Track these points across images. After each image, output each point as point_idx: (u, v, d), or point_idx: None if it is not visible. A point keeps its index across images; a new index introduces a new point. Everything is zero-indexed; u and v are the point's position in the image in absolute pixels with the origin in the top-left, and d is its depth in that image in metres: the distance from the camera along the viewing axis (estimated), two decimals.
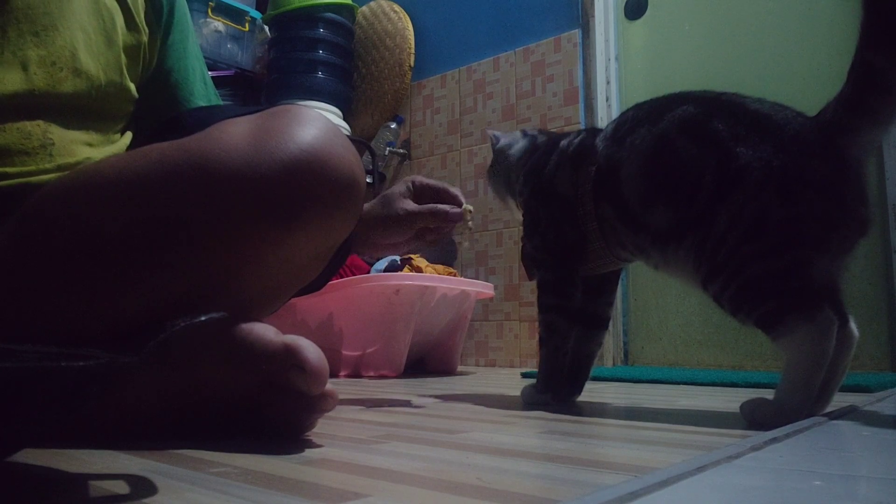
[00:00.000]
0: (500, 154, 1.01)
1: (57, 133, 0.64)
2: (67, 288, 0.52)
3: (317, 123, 0.58)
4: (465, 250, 2.16)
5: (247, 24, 2.39)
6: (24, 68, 0.63)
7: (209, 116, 0.68)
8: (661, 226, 0.75)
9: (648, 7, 2.04)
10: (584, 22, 2.02)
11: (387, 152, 2.37)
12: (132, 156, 0.58)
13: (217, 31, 2.29)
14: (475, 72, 2.27)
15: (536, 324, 0.91)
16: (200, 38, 2.21)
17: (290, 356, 0.54)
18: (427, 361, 1.81)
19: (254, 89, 2.43)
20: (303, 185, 0.55)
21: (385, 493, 0.38)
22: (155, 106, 0.79)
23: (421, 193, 0.88)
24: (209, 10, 2.24)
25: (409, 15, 2.43)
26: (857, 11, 0.63)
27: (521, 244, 0.95)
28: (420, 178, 0.89)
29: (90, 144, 0.68)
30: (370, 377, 1.54)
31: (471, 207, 0.89)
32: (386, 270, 1.73)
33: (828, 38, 1.72)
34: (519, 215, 0.97)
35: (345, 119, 2.35)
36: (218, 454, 0.50)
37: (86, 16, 0.68)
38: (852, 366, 0.72)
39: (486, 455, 0.51)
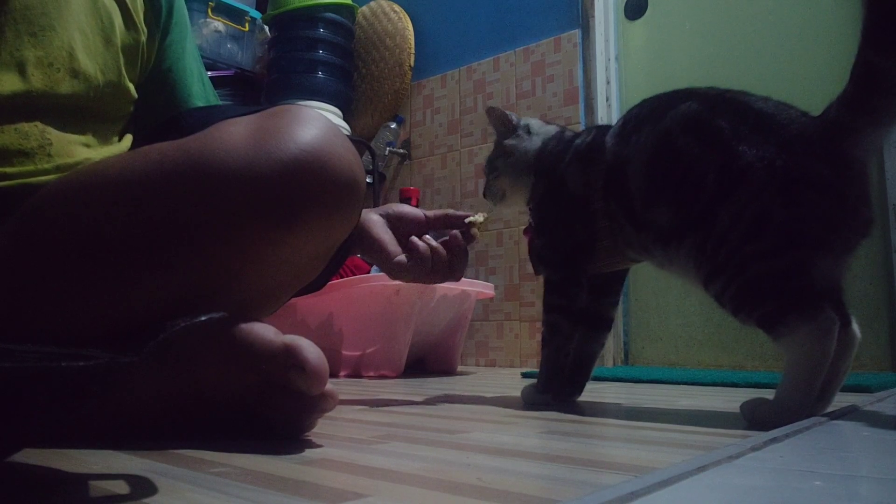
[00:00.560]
0: (522, 130, 0.94)
1: (55, 134, 0.64)
2: (67, 288, 0.52)
3: (317, 123, 0.58)
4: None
5: (247, 24, 2.39)
6: (22, 69, 0.62)
7: (209, 116, 0.68)
8: (664, 224, 0.75)
9: (648, 7, 2.04)
10: (584, 22, 2.02)
11: (387, 152, 2.37)
12: (132, 156, 0.58)
13: (217, 31, 2.29)
14: (475, 72, 2.27)
15: (537, 324, 0.91)
16: (200, 38, 2.21)
17: (290, 356, 0.54)
18: (427, 361, 1.81)
19: (254, 89, 2.43)
20: (303, 185, 0.55)
21: (385, 493, 0.38)
22: (153, 106, 0.79)
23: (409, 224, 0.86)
24: (209, 10, 2.24)
25: (409, 15, 2.43)
26: (857, 11, 0.63)
27: (519, 244, 0.95)
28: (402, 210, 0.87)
29: (88, 146, 0.68)
30: (370, 377, 1.54)
31: (480, 218, 0.87)
32: None
33: (828, 37, 1.72)
34: (510, 208, 0.96)
35: (345, 119, 2.35)
36: (218, 454, 0.50)
37: (84, 16, 0.68)
38: (852, 366, 0.72)
39: (486, 455, 0.51)
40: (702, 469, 0.43)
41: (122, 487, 0.40)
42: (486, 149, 2.25)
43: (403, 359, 1.58)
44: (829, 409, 0.73)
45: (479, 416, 0.77)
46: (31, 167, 0.62)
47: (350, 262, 1.74)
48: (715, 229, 0.69)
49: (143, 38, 0.75)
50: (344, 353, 1.60)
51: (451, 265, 0.84)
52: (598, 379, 1.38)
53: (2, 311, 0.52)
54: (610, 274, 0.90)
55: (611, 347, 1.91)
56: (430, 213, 0.88)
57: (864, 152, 0.66)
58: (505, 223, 2.10)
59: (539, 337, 1.98)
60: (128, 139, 0.75)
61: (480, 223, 0.88)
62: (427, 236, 0.85)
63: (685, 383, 1.28)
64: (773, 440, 0.55)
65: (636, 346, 1.96)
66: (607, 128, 0.87)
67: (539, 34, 2.12)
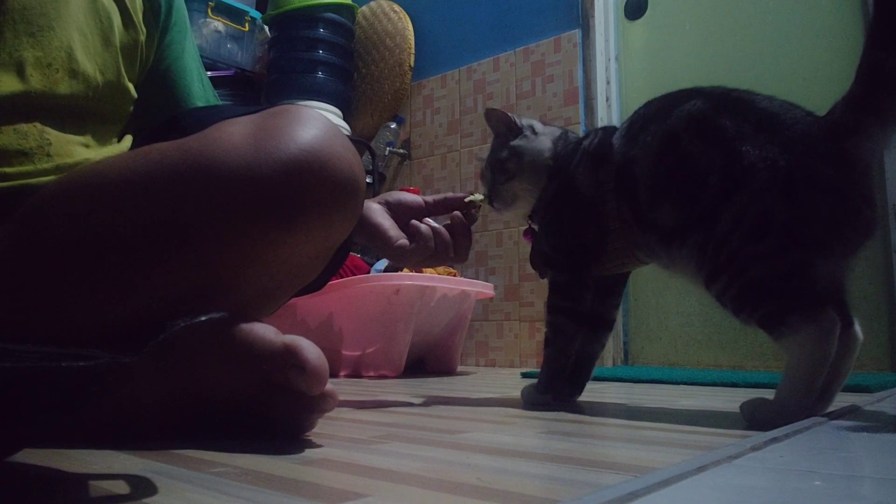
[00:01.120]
0: (527, 132, 0.92)
1: (54, 134, 0.64)
2: (67, 288, 0.52)
3: (317, 123, 0.58)
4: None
5: (247, 24, 2.39)
6: (20, 70, 0.62)
7: (209, 116, 0.68)
8: (667, 224, 0.74)
9: (648, 7, 2.04)
10: (584, 22, 2.02)
11: (387, 152, 2.37)
12: (132, 156, 0.58)
13: (217, 31, 2.29)
14: (475, 72, 2.27)
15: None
16: (200, 38, 2.21)
17: (290, 356, 0.54)
18: (427, 361, 1.81)
19: (254, 89, 2.43)
20: (303, 185, 0.55)
21: (385, 493, 0.38)
22: (152, 106, 0.78)
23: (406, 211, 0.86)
24: (209, 10, 2.24)
25: (409, 15, 2.43)
26: (857, 10, 0.63)
27: (519, 244, 0.94)
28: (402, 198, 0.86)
29: (88, 146, 0.68)
30: (370, 377, 1.54)
31: (479, 197, 0.87)
32: (386, 270, 1.73)
33: (828, 37, 1.72)
34: (520, 211, 0.93)
35: (345, 119, 2.35)
36: (218, 454, 0.50)
37: (83, 16, 0.68)
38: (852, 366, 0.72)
39: (486, 455, 0.51)
40: (702, 469, 0.43)
41: (122, 487, 0.40)
42: (487, 149, 2.25)
43: (403, 359, 1.58)
44: (829, 409, 0.73)
45: (479, 416, 0.77)
46: (30, 167, 0.62)
47: (350, 262, 1.75)
48: (717, 229, 0.69)
49: (142, 37, 0.75)
50: (344, 353, 1.60)
51: (454, 247, 0.83)
52: (598, 379, 1.38)
53: (2, 311, 0.51)
54: (614, 274, 0.90)
55: (611, 347, 1.91)
56: (430, 198, 0.88)
57: (868, 153, 0.66)
58: (505, 223, 2.10)
59: (539, 337, 1.99)
60: (127, 140, 0.75)
61: (481, 201, 0.87)
62: (428, 219, 0.84)
63: (685, 383, 1.28)
64: (773, 440, 0.55)
65: (636, 346, 1.96)
66: (613, 129, 0.86)
67: (539, 34, 2.12)
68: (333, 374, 1.56)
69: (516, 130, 0.92)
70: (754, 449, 0.51)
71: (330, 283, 0.83)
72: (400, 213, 0.85)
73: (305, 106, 0.76)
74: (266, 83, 2.39)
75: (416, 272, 1.71)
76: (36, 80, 0.63)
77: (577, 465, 0.46)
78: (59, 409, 0.38)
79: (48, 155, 0.63)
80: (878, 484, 0.41)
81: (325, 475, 0.44)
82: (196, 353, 0.56)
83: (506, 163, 0.90)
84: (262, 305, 0.67)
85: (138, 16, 0.74)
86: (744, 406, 0.70)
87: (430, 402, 0.95)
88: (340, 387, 1.25)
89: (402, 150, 2.40)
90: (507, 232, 2.10)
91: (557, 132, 0.93)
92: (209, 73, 0.87)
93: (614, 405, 0.93)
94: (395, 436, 0.61)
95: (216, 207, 0.53)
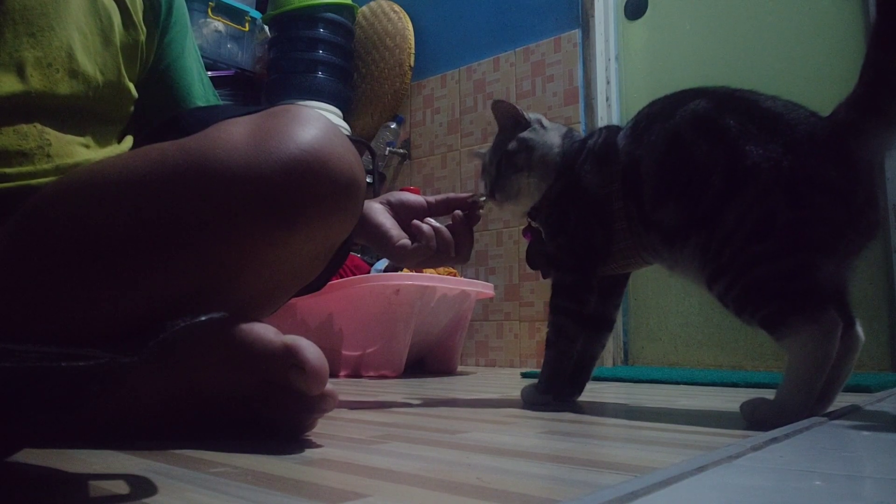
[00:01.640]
0: (536, 126, 0.90)
1: (54, 135, 0.64)
2: (67, 288, 0.52)
3: (317, 123, 0.58)
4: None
5: (247, 24, 2.39)
6: (20, 70, 0.62)
7: (209, 116, 0.68)
8: (670, 224, 0.74)
9: (648, 7, 2.04)
10: (584, 22, 2.02)
11: (387, 152, 2.37)
12: (132, 156, 0.58)
13: (217, 31, 2.29)
14: (475, 72, 2.27)
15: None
16: (200, 38, 2.21)
17: (290, 356, 0.54)
18: (427, 361, 1.81)
19: (254, 89, 2.43)
20: (303, 185, 0.55)
21: (385, 493, 0.38)
22: (153, 106, 0.78)
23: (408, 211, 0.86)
24: (209, 10, 2.24)
25: (409, 15, 2.43)
26: (857, 10, 0.63)
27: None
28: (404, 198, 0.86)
29: (88, 146, 0.68)
30: (370, 377, 1.54)
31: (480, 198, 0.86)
32: (386, 270, 1.73)
33: (829, 37, 1.72)
34: (516, 210, 0.93)
35: (345, 119, 2.35)
36: (218, 454, 0.50)
37: (83, 16, 0.68)
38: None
39: (486, 455, 0.51)
40: (702, 469, 0.43)
41: (122, 487, 0.40)
42: (487, 149, 2.25)
43: (403, 359, 1.58)
44: (830, 409, 0.73)
45: (479, 416, 0.77)
46: (30, 168, 0.62)
47: (350, 262, 1.75)
48: (719, 229, 0.69)
49: (143, 37, 0.75)
50: (344, 353, 1.60)
51: (456, 246, 0.83)
52: (598, 379, 1.38)
53: (2, 311, 0.51)
54: (616, 275, 0.89)
55: (610, 347, 1.91)
56: (432, 198, 0.87)
57: (872, 154, 0.66)
58: (504, 223, 2.10)
59: (539, 337, 1.99)
60: (128, 140, 0.75)
61: (483, 201, 0.86)
62: (429, 219, 0.83)
63: (685, 383, 1.28)
64: (773, 440, 0.55)
65: (636, 346, 1.96)
66: (617, 128, 0.86)
67: (539, 34, 2.12)
68: (333, 374, 1.56)
69: (524, 124, 0.91)
70: (754, 449, 0.51)
71: (330, 283, 0.83)
72: (402, 212, 0.85)
73: (305, 106, 0.76)
74: (266, 83, 2.39)
75: (416, 272, 1.71)
76: (36, 81, 0.63)
77: (577, 465, 0.46)
78: (59, 409, 0.38)
79: (48, 156, 0.63)
80: (879, 484, 0.41)
81: (325, 475, 0.44)
82: (196, 353, 0.56)
83: (515, 155, 0.89)
84: (262, 305, 0.67)
85: (138, 15, 0.74)
86: (744, 406, 0.70)
87: (430, 402, 0.95)
88: (340, 387, 1.25)
89: (402, 150, 2.40)
90: (506, 232, 2.10)
91: (563, 129, 0.93)
92: (209, 73, 0.87)
93: (614, 405, 0.93)
94: (395, 436, 0.61)
95: (216, 207, 0.53)
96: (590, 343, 0.91)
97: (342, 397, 0.87)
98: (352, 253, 1.67)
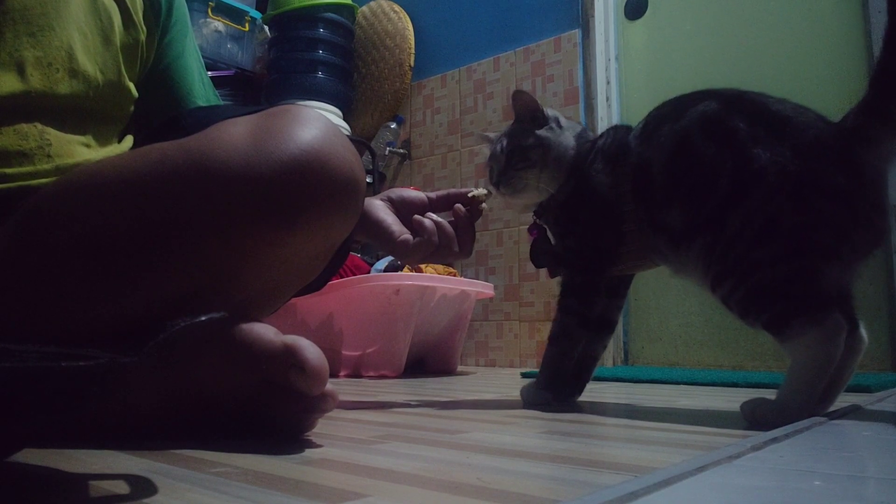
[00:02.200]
0: (553, 125, 0.89)
1: (54, 134, 0.64)
2: (67, 288, 0.52)
3: (317, 123, 0.58)
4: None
5: (247, 24, 2.39)
6: (21, 69, 0.62)
7: (209, 116, 0.68)
8: (677, 226, 0.74)
9: (648, 7, 2.04)
10: (584, 22, 2.02)
11: (387, 152, 2.37)
12: (132, 156, 0.58)
13: (217, 31, 2.29)
14: (475, 72, 2.27)
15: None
16: (200, 38, 2.21)
17: (290, 356, 0.54)
18: (427, 361, 1.81)
19: (254, 89, 2.43)
20: (303, 185, 0.55)
21: (385, 493, 0.38)
22: (153, 105, 0.78)
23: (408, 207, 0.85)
24: (209, 10, 2.24)
25: (409, 15, 2.43)
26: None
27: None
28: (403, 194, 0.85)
29: (88, 146, 0.68)
30: (370, 377, 1.54)
31: (482, 191, 0.85)
32: (386, 270, 1.73)
33: (829, 38, 1.72)
34: (518, 203, 0.92)
35: (345, 119, 2.35)
36: (218, 454, 0.50)
37: (83, 16, 0.68)
38: None
39: (486, 455, 0.51)
40: (702, 469, 0.43)
41: (122, 487, 0.40)
42: (487, 148, 2.25)
43: (403, 359, 1.58)
44: (829, 409, 0.73)
45: (479, 416, 0.77)
46: (30, 168, 0.62)
47: (350, 262, 1.74)
48: (725, 232, 0.69)
49: (143, 36, 0.75)
50: (344, 353, 1.60)
51: (458, 241, 0.82)
52: (598, 379, 1.38)
53: (2, 311, 0.51)
54: (621, 276, 0.89)
55: (611, 347, 1.91)
56: (433, 193, 0.87)
57: (881, 161, 0.65)
58: (505, 223, 2.10)
59: (539, 337, 1.99)
60: (128, 140, 0.75)
61: (485, 196, 0.85)
62: (430, 214, 0.83)
63: (685, 383, 1.28)
64: (773, 440, 0.55)
65: (636, 346, 1.96)
66: (626, 128, 0.85)
67: (539, 34, 2.12)
68: (333, 374, 1.56)
69: (542, 120, 0.90)
70: (754, 449, 0.51)
71: (330, 283, 0.83)
72: (403, 209, 0.84)
73: (305, 106, 0.76)
74: (266, 83, 2.39)
75: (416, 272, 1.71)
76: (36, 80, 0.63)
77: (577, 465, 0.46)
78: (59, 409, 0.38)
79: (48, 156, 0.63)
80: (879, 484, 0.41)
81: (325, 475, 0.44)
82: (196, 353, 0.56)
83: (529, 151, 0.88)
84: (262, 305, 0.67)
85: (138, 15, 0.74)
86: (744, 406, 0.70)
87: (430, 402, 0.95)
88: (340, 387, 1.25)
89: (402, 150, 2.40)
90: (507, 232, 2.10)
91: (578, 128, 0.92)
92: (209, 73, 0.87)
93: (614, 405, 0.93)
94: (395, 436, 0.61)
95: (216, 207, 0.53)
96: (591, 344, 0.91)
97: (342, 397, 0.87)
98: (352, 253, 1.67)
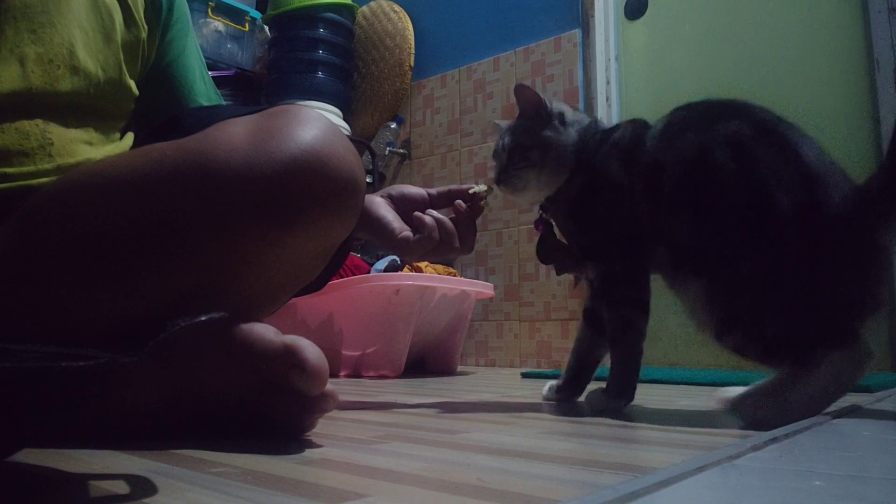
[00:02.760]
0: (556, 123, 0.87)
1: (56, 132, 0.64)
2: (67, 288, 0.52)
3: (317, 123, 0.58)
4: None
5: (247, 24, 2.39)
6: (22, 66, 0.62)
7: (209, 116, 0.68)
8: (679, 241, 0.73)
9: (648, 7, 2.04)
10: (584, 22, 2.03)
11: (387, 152, 2.37)
12: (132, 156, 0.58)
13: (217, 31, 2.29)
14: (475, 72, 2.27)
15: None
16: (200, 38, 2.21)
17: (290, 356, 0.54)
18: (427, 361, 1.81)
19: (254, 89, 2.43)
20: (303, 185, 0.55)
21: (385, 493, 0.38)
22: (154, 104, 0.78)
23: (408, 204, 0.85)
24: (209, 10, 2.24)
25: (409, 15, 2.43)
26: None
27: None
28: (404, 190, 0.85)
29: (90, 143, 0.68)
30: (370, 377, 1.54)
31: (483, 188, 0.84)
32: (386, 270, 1.73)
33: (829, 38, 1.72)
34: (521, 200, 0.90)
35: (345, 119, 2.35)
36: (218, 454, 0.50)
37: (84, 13, 0.68)
38: None
39: (486, 455, 0.51)
40: (702, 469, 0.43)
41: (122, 487, 0.40)
42: (487, 149, 2.26)
43: (403, 359, 1.58)
44: (829, 409, 0.73)
45: (479, 417, 0.77)
46: (31, 168, 0.62)
47: (350, 262, 1.75)
48: (732, 274, 0.68)
49: (144, 35, 0.75)
50: (344, 353, 1.60)
51: (459, 237, 0.81)
52: (598, 379, 1.38)
53: (2, 311, 0.51)
54: None
55: None
56: (433, 190, 0.86)
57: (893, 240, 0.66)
58: (504, 223, 2.10)
59: (539, 337, 2.00)
60: (129, 137, 0.75)
61: (485, 192, 0.84)
62: (431, 210, 0.82)
63: (685, 383, 1.28)
64: (773, 440, 0.55)
65: None
66: (644, 123, 0.83)
67: (539, 34, 2.12)
68: (333, 374, 1.56)
69: (545, 118, 0.88)
70: (754, 449, 0.51)
71: (330, 283, 0.83)
72: (403, 205, 0.84)
73: (305, 106, 0.76)
74: (266, 83, 2.39)
75: (416, 271, 1.71)
76: (37, 77, 0.63)
77: (577, 465, 0.46)
78: (59, 409, 0.38)
79: (49, 155, 0.63)
80: (879, 484, 0.41)
81: (325, 475, 0.44)
82: (196, 353, 0.56)
83: (528, 150, 0.86)
84: (262, 305, 0.67)
85: (140, 13, 0.74)
86: (743, 403, 0.70)
87: (430, 402, 0.95)
88: (340, 387, 1.25)
89: (402, 150, 2.40)
90: (506, 231, 2.10)
91: (585, 122, 0.89)
92: (209, 73, 0.87)
93: None
94: (395, 436, 0.61)
95: (216, 207, 0.53)
96: (593, 345, 0.90)
97: (342, 397, 0.87)
98: (352, 253, 1.67)
